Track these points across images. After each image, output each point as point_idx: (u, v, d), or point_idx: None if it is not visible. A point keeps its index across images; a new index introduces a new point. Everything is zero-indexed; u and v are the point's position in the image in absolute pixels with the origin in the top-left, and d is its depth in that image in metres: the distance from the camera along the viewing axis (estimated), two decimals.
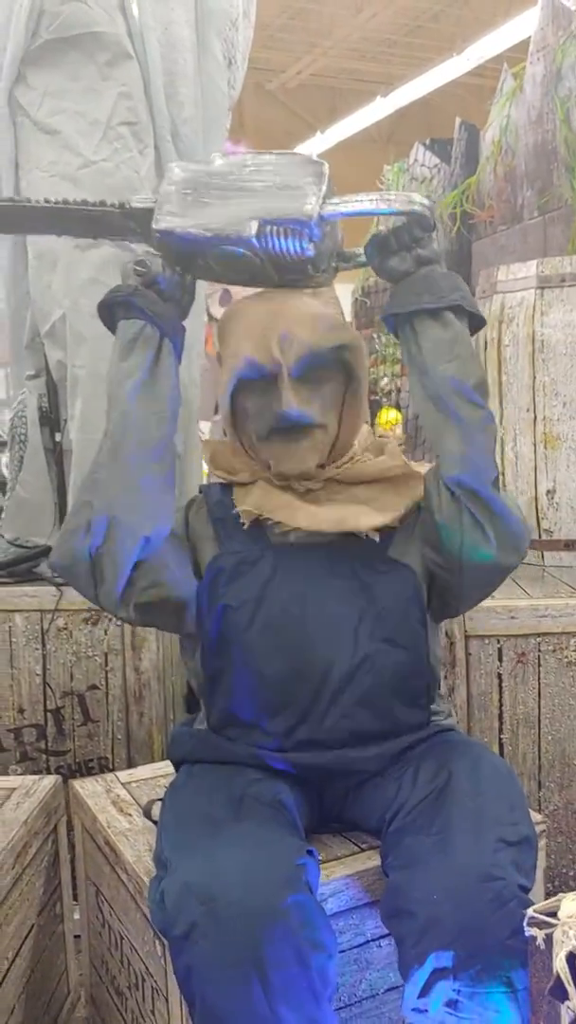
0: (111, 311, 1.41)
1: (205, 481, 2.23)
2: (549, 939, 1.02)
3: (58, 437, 2.37)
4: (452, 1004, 1.15)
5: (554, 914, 1.03)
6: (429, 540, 1.43)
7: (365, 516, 1.44)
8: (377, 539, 1.45)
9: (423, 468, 1.50)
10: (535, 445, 2.52)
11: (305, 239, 1.32)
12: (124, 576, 1.37)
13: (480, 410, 1.39)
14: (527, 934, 1.05)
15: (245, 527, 1.46)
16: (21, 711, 2.25)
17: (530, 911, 1.04)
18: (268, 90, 13.34)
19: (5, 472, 2.72)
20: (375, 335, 5.30)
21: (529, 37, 3.65)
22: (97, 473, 1.38)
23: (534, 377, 2.49)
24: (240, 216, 1.32)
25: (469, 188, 3.95)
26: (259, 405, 1.43)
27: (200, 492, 1.58)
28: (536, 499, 2.53)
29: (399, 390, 5.58)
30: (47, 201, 1.45)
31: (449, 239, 4.07)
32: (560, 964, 0.99)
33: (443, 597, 1.48)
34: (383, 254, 1.41)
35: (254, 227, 1.31)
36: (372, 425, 5.77)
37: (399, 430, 5.11)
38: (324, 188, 1.33)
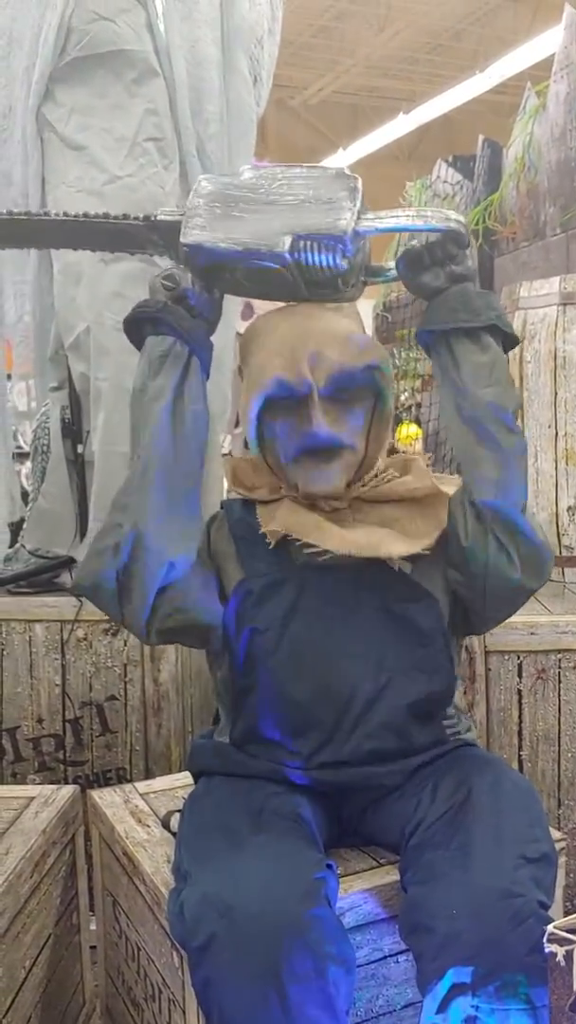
0: (139, 326, 1.40)
1: (225, 494, 2.24)
2: (569, 956, 1.01)
3: (80, 449, 2.39)
4: (471, 1021, 1.14)
5: (574, 931, 1.03)
6: (454, 563, 1.43)
7: (396, 543, 1.42)
8: (408, 571, 1.43)
9: (450, 487, 1.47)
10: (556, 461, 2.51)
11: (339, 254, 1.30)
12: (150, 600, 1.36)
13: (517, 436, 1.38)
14: (547, 951, 1.04)
15: (270, 547, 1.45)
16: (40, 721, 2.26)
17: (550, 928, 1.03)
18: (291, 106, 13.43)
19: (27, 483, 2.74)
20: (395, 350, 5.31)
21: (551, 55, 3.66)
22: (126, 495, 1.37)
23: (556, 393, 2.50)
24: (272, 230, 1.29)
25: (491, 205, 3.96)
26: (287, 425, 1.41)
27: (221, 508, 1.58)
28: (557, 516, 2.53)
29: (419, 405, 5.57)
30: (67, 215, 1.44)
31: (472, 255, 4.08)
32: None
33: (465, 616, 1.48)
34: (416, 269, 1.39)
35: (287, 242, 1.28)
36: (393, 440, 5.74)
37: (418, 445, 5.11)
38: (358, 203, 1.31)
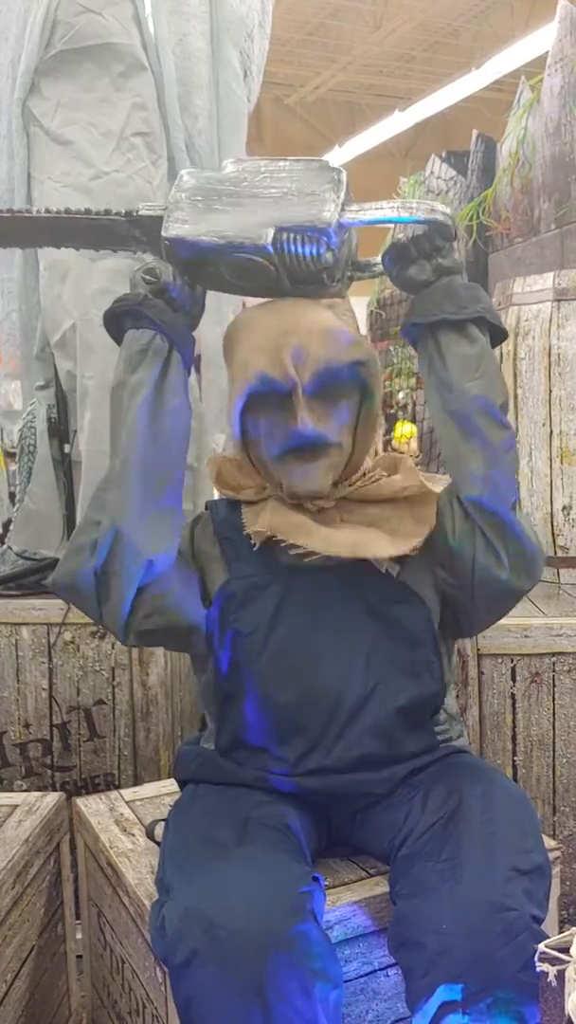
0: (118, 321, 1.37)
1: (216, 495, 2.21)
2: (561, 976, 0.97)
3: (67, 448, 2.35)
4: None
5: (567, 950, 0.99)
6: (442, 562, 1.39)
7: (382, 544, 1.38)
8: (395, 573, 1.40)
9: (440, 486, 1.44)
10: (551, 460, 2.48)
11: (323, 246, 1.28)
12: (129, 598, 1.32)
13: (505, 431, 1.35)
14: (538, 969, 1.01)
15: (256, 548, 1.42)
16: (27, 726, 2.22)
17: (541, 946, 0.99)
18: (287, 105, 13.40)
19: (14, 484, 2.70)
20: (391, 348, 5.28)
21: (547, 52, 3.63)
22: (104, 491, 1.34)
23: (550, 391, 2.46)
24: (254, 223, 1.28)
25: (485, 200, 3.92)
26: (271, 423, 1.37)
27: (206, 508, 1.54)
28: (552, 515, 2.50)
29: (415, 403, 5.54)
30: (48, 211, 1.41)
31: (465, 252, 4.05)
32: (573, 1007, 0.94)
33: (455, 617, 1.45)
34: (402, 263, 1.37)
35: (269, 234, 1.26)
36: (388, 439, 5.73)
37: (414, 444, 5.08)
38: (342, 195, 1.29)
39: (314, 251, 1.28)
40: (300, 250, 1.28)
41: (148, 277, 1.34)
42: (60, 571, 1.37)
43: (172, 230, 1.30)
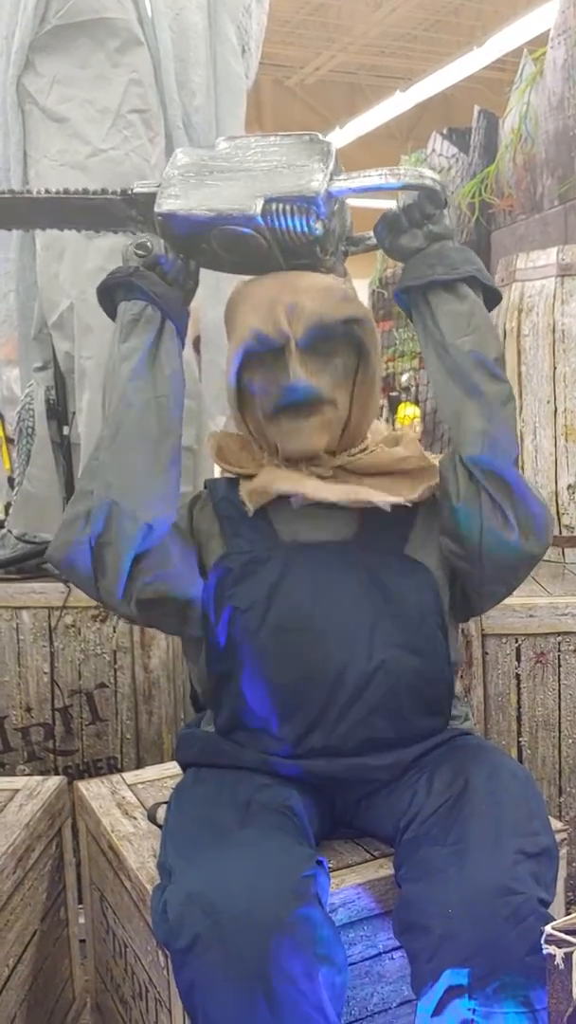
0: (111, 294, 1.37)
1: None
2: (568, 959, 0.96)
3: (66, 430, 2.33)
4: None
5: (574, 932, 0.97)
6: (447, 529, 1.36)
7: (376, 493, 1.37)
8: (403, 501, 1.37)
9: (439, 459, 1.42)
10: (556, 438, 2.45)
11: (312, 216, 1.29)
12: (126, 567, 1.31)
13: (502, 383, 1.34)
14: (545, 952, 0.99)
15: (250, 514, 1.41)
16: (28, 710, 2.21)
17: (548, 929, 0.97)
18: (287, 86, 13.29)
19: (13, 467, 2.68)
20: (394, 329, 5.24)
21: (549, 30, 3.58)
22: (96, 459, 1.33)
23: (554, 368, 2.43)
24: (244, 195, 1.28)
25: (488, 177, 3.88)
26: (265, 380, 1.37)
27: (205, 487, 1.52)
28: (557, 494, 2.47)
29: (418, 386, 5.51)
30: (48, 192, 1.41)
31: (467, 229, 4.00)
32: None
33: (465, 593, 1.42)
34: (393, 232, 1.37)
35: (259, 204, 1.27)
36: (392, 421, 5.69)
37: (417, 426, 5.05)
38: (331, 165, 1.30)
39: (304, 222, 1.29)
40: (290, 222, 1.29)
41: (140, 251, 1.34)
42: (55, 544, 1.35)
43: (164, 205, 1.31)
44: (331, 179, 1.29)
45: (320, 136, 1.35)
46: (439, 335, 1.34)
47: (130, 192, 1.37)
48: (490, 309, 1.38)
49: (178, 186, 1.32)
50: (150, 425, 1.32)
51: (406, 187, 1.32)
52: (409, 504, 1.37)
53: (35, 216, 1.47)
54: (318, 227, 1.30)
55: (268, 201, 1.28)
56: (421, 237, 1.35)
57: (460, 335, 1.32)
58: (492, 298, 1.38)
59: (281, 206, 1.28)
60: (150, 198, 1.34)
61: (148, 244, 1.34)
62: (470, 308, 1.33)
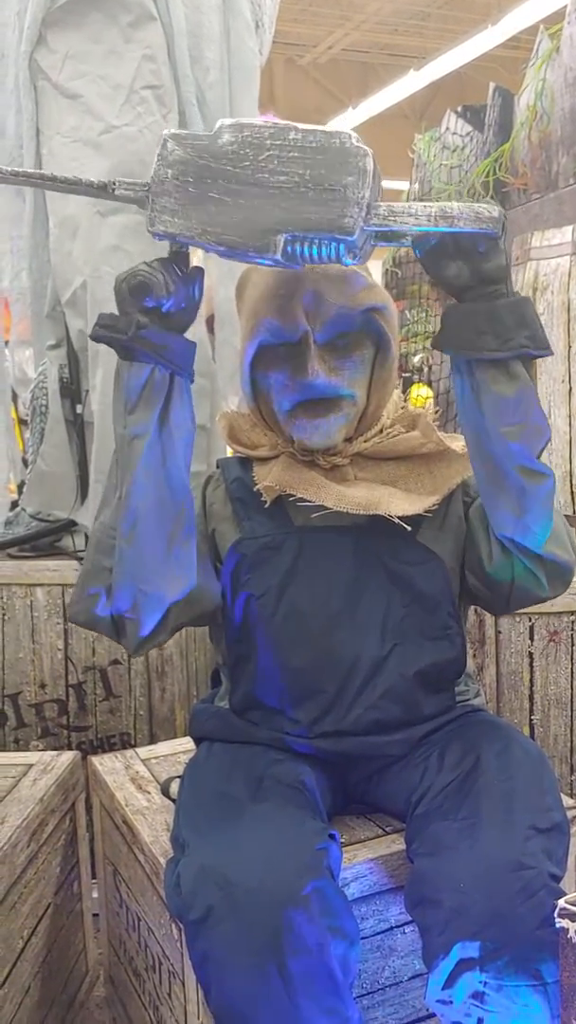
0: (106, 342, 1.19)
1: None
2: None
3: (79, 409, 2.33)
4: (478, 996, 1.09)
5: None
6: (475, 573, 1.37)
7: (397, 501, 1.34)
8: (408, 528, 1.36)
9: (457, 443, 1.40)
10: (570, 417, 2.44)
11: (343, 252, 1.10)
12: (149, 634, 1.28)
13: (544, 479, 1.22)
14: (558, 926, 0.99)
15: (267, 506, 1.40)
16: (42, 686, 2.22)
17: (561, 902, 0.98)
18: (299, 65, 13.18)
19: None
20: (406, 310, 5.21)
21: (565, 7, 3.53)
22: (110, 537, 1.24)
23: (569, 347, 2.42)
24: (261, 225, 1.08)
25: (502, 155, 3.83)
26: (282, 375, 1.33)
27: (217, 467, 1.51)
28: (571, 474, 2.46)
29: (430, 367, 5.48)
30: (27, 175, 1.17)
31: (505, 250, 3.97)
32: None
33: (476, 601, 1.44)
34: (437, 259, 1.16)
35: (280, 243, 1.08)
36: (404, 404, 5.63)
37: (431, 407, 5.02)
38: (368, 191, 1.07)
39: (332, 254, 1.10)
40: (315, 253, 1.10)
41: (136, 295, 1.15)
42: (76, 610, 1.30)
43: (159, 224, 1.10)
44: (368, 210, 1.08)
45: (353, 138, 1.09)
46: (480, 417, 1.20)
47: (112, 190, 1.13)
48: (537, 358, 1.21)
49: (174, 195, 1.09)
50: (166, 508, 1.23)
51: (460, 232, 1.10)
52: (429, 514, 1.37)
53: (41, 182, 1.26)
54: (349, 259, 1.11)
55: (291, 238, 1.08)
56: (468, 274, 1.15)
57: (505, 423, 1.18)
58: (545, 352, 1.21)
59: (307, 243, 1.09)
60: (137, 199, 1.12)
61: (147, 283, 1.14)
62: (519, 394, 1.17)
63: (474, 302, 1.16)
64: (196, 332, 1.36)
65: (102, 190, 1.13)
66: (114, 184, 1.12)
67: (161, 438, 1.20)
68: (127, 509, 1.21)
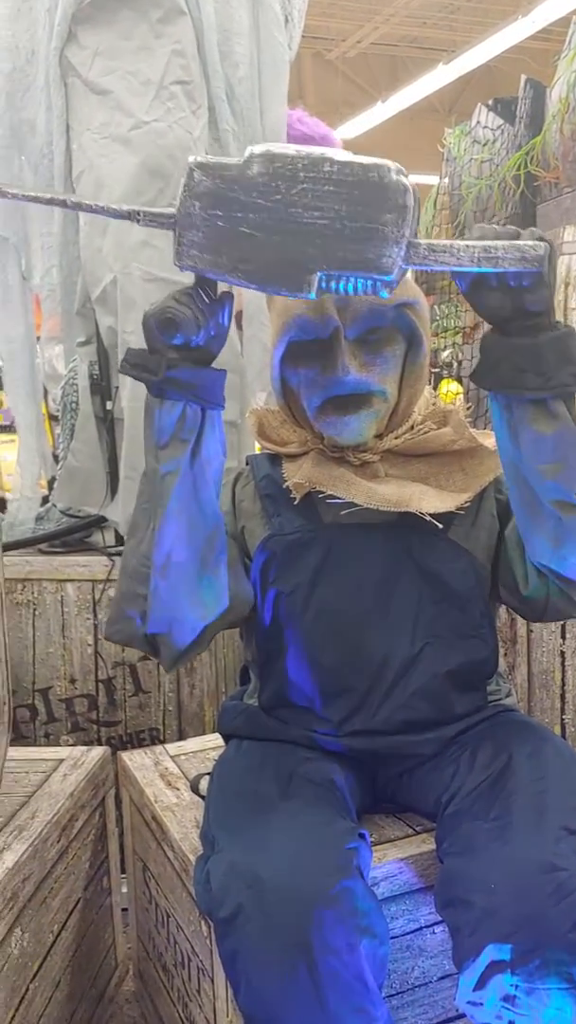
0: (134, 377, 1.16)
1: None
2: None
3: (109, 405, 2.33)
4: (509, 999, 1.08)
5: None
6: (509, 589, 1.36)
7: (429, 498, 1.33)
8: (440, 526, 1.35)
9: (489, 439, 1.38)
10: None
11: (379, 287, 1.06)
12: (185, 652, 1.28)
13: None
14: None
15: (296, 502, 1.39)
16: (73, 681, 2.23)
17: None
18: (328, 60, 13.14)
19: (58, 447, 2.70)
20: (436, 305, 5.18)
21: None
22: (144, 566, 1.21)
23: None
24: (295, 264, 1.03)
25: (534, 149, 3.80)
26: (312, 371, 1.31)
27: (247, 463, 1.50)
28: None
29: (460, 362, 5.44)
30: (52, 198, 1.13)
31: (512, 203, 3.94)
32: None
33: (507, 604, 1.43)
34: (478, 289, 1.10)
35: (314, 282, 1.04)
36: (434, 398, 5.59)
37: (461, 402, 4.98)
38: (408, 229, 1.02)
39: (368, 290, 1.06)
40: (350, 289, 1.06)
41: (166, 334, 1.11)
42: (112, 630, 1.28)
43: (186, 258, 1.05)
44: (409, 247, 1.03)
45: (392, 171, 1.02)
46: (516, 451, 1.17)
47: (137, 220, 1.07)
48: None
49: (202, 229, 1.04)
50: (198, 535, 1.21)
51: (504, 272, 1.05)
52: (461, 512, 1.36)
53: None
54: (386, 293, 1.07)
55: (326, 276, 1.04)
56: (510, 306, 1.09)
57: (542, 461, 1.15)
58: None
59: (343, 280, 1.05)
60: (164, 227, 1.07)
61: (176, 320, 1.09)
62: (559, 433, 1.13)
63: (516, 336, 1.11)
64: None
65: (127, 217, 1.08)
66: (138, 214, 1.07)
67: (193, 471, 1.18)
68: (160, 543, 1.19)
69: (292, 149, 1.02)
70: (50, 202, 1.12)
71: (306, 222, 1.02)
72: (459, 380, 5.39)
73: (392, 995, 1.33)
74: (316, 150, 1.03)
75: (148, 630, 1.23)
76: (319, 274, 1.03)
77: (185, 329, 1.10)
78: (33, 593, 2.22)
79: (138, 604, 1.23)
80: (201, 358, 1.15)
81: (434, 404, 1.45)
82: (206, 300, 1.12)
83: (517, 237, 1.05)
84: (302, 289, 1.04)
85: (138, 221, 1.07)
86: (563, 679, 2.04)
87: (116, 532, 2.34)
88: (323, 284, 1.04)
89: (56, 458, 2.61)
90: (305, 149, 1.02)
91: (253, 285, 1.05)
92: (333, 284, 1.05)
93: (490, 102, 4.33)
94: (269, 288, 1.07)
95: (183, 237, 1.04)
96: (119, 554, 2.21)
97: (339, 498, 1.35)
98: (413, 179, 1.10)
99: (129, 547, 1.25)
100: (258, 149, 1.03)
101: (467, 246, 1.03)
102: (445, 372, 5.66)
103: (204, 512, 1.21)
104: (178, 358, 1.12)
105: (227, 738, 1.52)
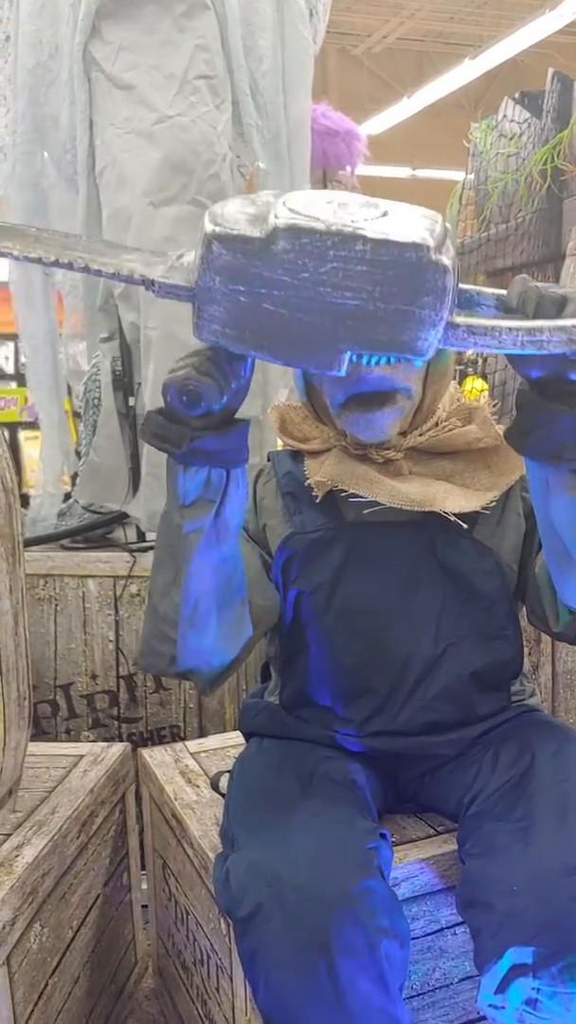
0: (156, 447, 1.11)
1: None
2: None
3: (131, 401, 2.33)
4: (531, 1003, 1.07)
5: None
6: (537, 616, 1.34)
7: (454, 497, 1.32)
8: (464, 526, 1.33)
9: None
10: None
11: (413, 359, 1.00)
12: (216, 680, 1.28)
13: None
14: None
15: (319, 501, 1.37)
16: (94, 677, 2.23)
17: None
18: (353, 55, 13.09)
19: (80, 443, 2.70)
20: None
21: None
22: (174, 612, 1.18)
23: None
24: (324, 344, 0.96)
25: (561, 143, 3.76)
26: None
27: (268, 460, 1.49)
28: None
29: (484, 360, 5.41)
30: (90, 269, 0.99)
31: (539, 198, 3.90)
32: None
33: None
34: (520, 358, 1.05)
35: (344, 361, 0.97)
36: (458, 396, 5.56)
37: (485, 399, 4.95)
38: (447, 311, 0.94)
39: (400, 361, 1.04)
40: (382, 363, 1.05)
41: (189, 408, 1.04)
42: (145, 663, 1.26)
43: (209, 333, 0.97)
44: (447, 330, 0.96)
45: (431, 249, 0.92)
46: (549, 511, 1.15)
47: (153, 289, 0.99)
48: None
49: (223, 304, 0.95)
50: (221, 578, 1.18)
51: (550, 354, 0.98)
52: (487, 511, 1.34)
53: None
54: (419, 362, 1.04)
55: (357, 355, 0.99)
56: (551, 372, 1.03)
57: (574, 527, 1.13)
58: None
59: (375, 358, 1.02)
60: (182, 299, 0.99)
61: (198, 392, 1.02)
62: None
63: (554, 400, 1.05)
64: None
65: (140, 284, 1.00)
66: (153, 283, 0.98)
67: (217, 527, 1.14)
68: (186, 597, 1.17)
69: (320, 224, 0.92)
70: (55, 264, 1.00)
71: (336, 302, 0.93)
72: (484, 377, 5.36)
73: (412, 996, 1.32)
74: (347, 224, 0.92)
75: (178, 667, 1.23)
76: (349, 353, 0.97)
77: (208, 399, 1.03)
78: (55, 589, 2.23)
79: (168, 646, 1.21)
80: (225, 419, 1.09)
81: (459, 401, 1.43)
82: (227, 360, 1.04)
83: (563, 305, 0.98)
84: (332, 368, 0.97)
85: (154, 291, 0.99)
86: None
87: (138, 528, 2.34)
88: (354, 359, 0.99)
89: (79, 454, 2.62)
90: (335, 223, 0.92)
91: (279, 361, 1.00)
92: (364, 359, 1.01)
93: (517, 95, 4.29)
94: (295, 365, 1.02)
95: (203, 311, 0.96)
96: (140, 550, 2.21)
97: (362, 497, 1.33)
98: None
99: (156, 587, 1.21)
100: (282, 222, 0.92)
101: (510, 329, 0.96)
102: (470, 369, 5.63)
103: (225, 553, 1.17)
104: (202, 427, 1.06)
105: (248, 736, 1.51)
